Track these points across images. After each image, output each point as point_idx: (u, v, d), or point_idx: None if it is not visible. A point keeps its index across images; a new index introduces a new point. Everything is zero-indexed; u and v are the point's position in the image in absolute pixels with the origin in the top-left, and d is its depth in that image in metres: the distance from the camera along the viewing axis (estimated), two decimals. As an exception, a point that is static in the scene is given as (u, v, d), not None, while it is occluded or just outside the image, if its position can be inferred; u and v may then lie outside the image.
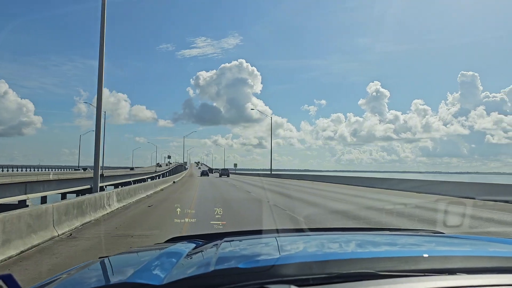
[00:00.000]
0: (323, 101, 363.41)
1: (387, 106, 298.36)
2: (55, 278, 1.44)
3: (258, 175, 70.42)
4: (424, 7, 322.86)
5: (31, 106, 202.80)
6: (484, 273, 1.10)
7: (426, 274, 1.08)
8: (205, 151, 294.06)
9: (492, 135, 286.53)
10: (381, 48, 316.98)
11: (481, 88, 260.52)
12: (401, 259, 1.20)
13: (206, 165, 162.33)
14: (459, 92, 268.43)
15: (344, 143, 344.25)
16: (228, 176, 66.94)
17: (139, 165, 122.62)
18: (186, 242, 1.87)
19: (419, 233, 2.03)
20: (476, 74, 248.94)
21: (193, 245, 1.71)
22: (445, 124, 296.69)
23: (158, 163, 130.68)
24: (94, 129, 17.34)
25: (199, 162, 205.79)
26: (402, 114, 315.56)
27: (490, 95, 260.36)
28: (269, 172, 71.09)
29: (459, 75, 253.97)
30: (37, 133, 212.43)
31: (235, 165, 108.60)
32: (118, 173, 55.97)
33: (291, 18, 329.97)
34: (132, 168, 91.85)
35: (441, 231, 2.10)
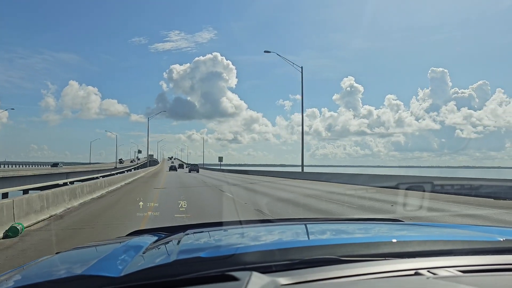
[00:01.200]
0: (298, 96, 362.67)
1: (361, 101, 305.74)
2: (9, 273, 1.37)
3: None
4: (395, 6, 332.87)
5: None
6: (442, 255, 1.15)
7: (386, 258, 1.11)
8: (179, 146, 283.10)
9: (461, 130, 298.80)
10: (354, 45, 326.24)
11: (450, 84, 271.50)
12: (362, 245, 1.24)
13: (180, 160, 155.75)
14: (430, 88, 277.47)
15: (319, 138, 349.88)
16: (197, 172, 62.56)
17: (102, 161, 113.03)
18: (148, 235, 1.84)
19: (379, 222, 2.10)
20: (445, 70, 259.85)
21: (155, 238, 1.68)
22: (417, 119, 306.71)
23: (121, 159, 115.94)
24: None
25: (172, 157, 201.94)
26: (375, 109, 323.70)
27: (459, 91, 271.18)
28: (300, 170, 40.98)
29: (429, 71, 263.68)
30: (2, 128, 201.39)
31: (221, 159, 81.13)
32: (15, 173, 31.18)
33: (265, 14, 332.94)
34: (56, 165, 68.86)
35: (401, 219, 2.17)
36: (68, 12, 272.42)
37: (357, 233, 1.71)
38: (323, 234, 1.70)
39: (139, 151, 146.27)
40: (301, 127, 41.17)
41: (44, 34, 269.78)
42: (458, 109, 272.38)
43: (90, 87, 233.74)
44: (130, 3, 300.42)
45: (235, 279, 0.96)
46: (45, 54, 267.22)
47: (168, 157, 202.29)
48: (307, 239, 1.60)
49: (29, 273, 1.36)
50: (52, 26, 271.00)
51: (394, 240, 1.30)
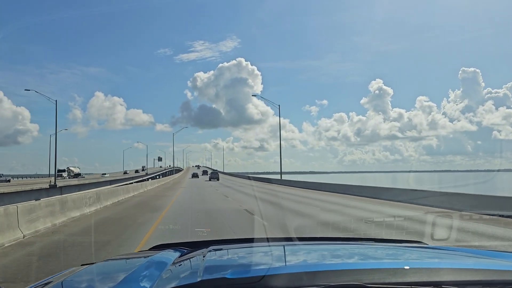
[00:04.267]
0: (325, 101, 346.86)
1: (390, 104, 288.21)
2: (35, 286, 1.40)
3: None
4: (420, 4, 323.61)
5: (27, 113, 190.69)
6: (471, 286, 1.11)
7: (413, 286, 1.09)
8: (205, 155, 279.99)
9: (499, 131, 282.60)
10: (378, 47, 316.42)
11: (483, 84, 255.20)
12: (389, 271, 1.21)
13: (207, 167, 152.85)
14: (461, 89, 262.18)
15: (347, 143, 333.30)
16: (217, 179, 59.13)
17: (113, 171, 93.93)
18: (171, 250, 1.84)
19: (405, 245, 2.04)
20: (477, 70, 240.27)
21: (178, 253, 1.68)
22: (451, 121, 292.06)
23: (67, 169, 73.96)
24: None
25: (198, 165, 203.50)
26: (406, 112, 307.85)
27: (493, 91, 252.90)
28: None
29: (460, 72, 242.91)
30: (33, 142, 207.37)
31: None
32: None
33: (288, 20, 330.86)
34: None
35: (427, 243, 2.10)
36: (95, 27, 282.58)
37: (383, 258, 1.66)
38: (349, 257, 1.66)
39: (159, 159, 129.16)
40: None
41: (73, 49, 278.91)
42: (496, 109, 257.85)
43: (116, 98, 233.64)
44: (156, 15, 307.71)
45: None
46: (74, 69, 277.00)
47: (196, 165, 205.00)
48: (333, 262, 1.57)
49: (57, 286, 1.38)
50: (81, 41, 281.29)
51: (422, 267, 1.27)
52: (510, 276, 1.21)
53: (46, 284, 1.42)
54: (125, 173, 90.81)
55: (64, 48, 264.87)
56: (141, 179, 59.58)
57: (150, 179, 56.12)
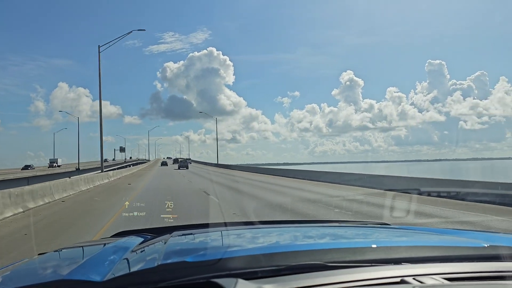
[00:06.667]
0: (297, 93, 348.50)
1: (361, 95, 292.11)
2: None
3: None
4: (388, 1, 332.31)
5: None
6: (427, 262, 1.15)
7: (373, 264, 1.10)
8: (177, 148, 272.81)
9: (465, 121, 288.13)
10: (349, 41, 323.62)
11: (448, 76, 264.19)
12: (349, 250, 1.23)
13: (181, 158, 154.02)
14: (428, 81, 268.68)
15: (319, 134, 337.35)
16: (187, 168, 57.46)
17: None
18: (134, 236, 1.82)
19: (365, 225, 2.10)
20: (443, 62, 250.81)
21: (141, 240, 1.66)
22: (420, 111, 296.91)
23: None
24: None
25: (170, 158, 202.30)
26: (377, 103, 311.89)
27: (457, 83, 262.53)
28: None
29: (427, 64, 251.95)
30: None
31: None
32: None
33: (259, 12, 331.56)
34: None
35: (387, 222, 2.17)
36: (62, 18, 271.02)
37: (343, 238, 1.70)
38: (309, 238, 1.68)
39: (121, 149, 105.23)
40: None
41: (38, 40, 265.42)
42: (464, 100, 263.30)
43: (81, 89, 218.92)
44: (124, 7, 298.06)
45: (220, 287, 0.95)
46: (39, 61, 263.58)
47: (166, 157, 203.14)
48: (293, 243, 1.58)
49: (8, 276, 1.31)
50: (46, 32, 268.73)
51: (380, 246, 1.30)
52: (465, 252, 1.26)
53: None
54: (55, 166, 71.49)
55: (28, 39, 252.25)
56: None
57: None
